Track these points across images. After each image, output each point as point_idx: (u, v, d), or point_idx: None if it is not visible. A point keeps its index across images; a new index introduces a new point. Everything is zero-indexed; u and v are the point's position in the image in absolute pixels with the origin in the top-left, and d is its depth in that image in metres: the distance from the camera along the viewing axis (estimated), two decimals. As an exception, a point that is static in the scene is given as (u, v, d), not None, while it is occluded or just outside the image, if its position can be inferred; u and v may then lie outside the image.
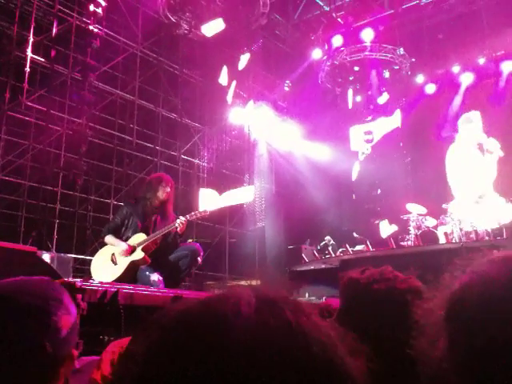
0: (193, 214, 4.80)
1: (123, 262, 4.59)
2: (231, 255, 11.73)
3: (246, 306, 0.57)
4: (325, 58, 13.06)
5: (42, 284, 1.19)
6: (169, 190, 4.95)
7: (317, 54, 12.99)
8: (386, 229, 9.63)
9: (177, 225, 4.61)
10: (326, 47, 12.89)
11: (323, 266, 8.55)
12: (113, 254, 4.65)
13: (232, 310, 0.57)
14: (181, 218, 4.68)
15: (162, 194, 4.89)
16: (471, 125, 9.70)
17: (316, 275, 8.09)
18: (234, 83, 11.92)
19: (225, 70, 11.57)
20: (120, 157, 11.27)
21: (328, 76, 13.28)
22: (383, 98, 12.68)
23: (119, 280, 4.43)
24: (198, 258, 4.87)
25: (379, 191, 12.37)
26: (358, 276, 1.28)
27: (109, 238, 4.75)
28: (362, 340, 1.17)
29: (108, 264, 4.64)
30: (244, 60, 11.94)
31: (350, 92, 12.99)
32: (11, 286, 1.20)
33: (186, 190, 12.31)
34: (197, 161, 12.87)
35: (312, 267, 8.81)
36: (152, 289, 3.81)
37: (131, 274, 4.57)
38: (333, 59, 13.01)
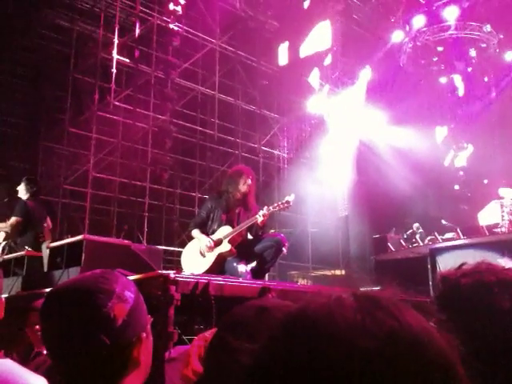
0: (275, 205, 4.80)
1: (211, 255, 4.69)
2: (314, 245, 11.69)
3: (350, 309, 0.56)
4: (406, 39, 12.59)
5: (94, 278, 1.21)
6: (250, 182, 4.96)
7: (397, 36, 12.55)
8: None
9: (258, 217, 4.64)
10: (407, 28, 12.42)
11: (411, 255, 8.29)
12: (200, 248, 4.78)
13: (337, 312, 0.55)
14: (263, 209, 4.70)
15: (243, 187, 4.91)
16: None
17: (403, 265, 7.86)
18: (316, 70, 11.83)
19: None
20: (202, 151, 11.55)
21: (410, 58, 12.79)
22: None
23: (208, 272, 4.53)
24: (283, 249, 4.88)
25: (461, 173, 11.82)
26: (450, 271, 1.23)
27: (195, 233, 4.88)
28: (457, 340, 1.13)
29: (197, 256, 4.76)
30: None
31: (458, 78, 12.24)
32: (69, 283, 1.27)
33: (267, 181, 12.40)
34: (277, 152, 12.90)
35: (399, 257, 8.57)
36: (241, 280, 3.87)
37: (219, 266, 4.66)
38: (415, 41, 12.52)
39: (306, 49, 11.97)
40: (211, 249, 4.70)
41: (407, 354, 0.52)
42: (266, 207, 4.72)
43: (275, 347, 0.56)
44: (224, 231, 4.75)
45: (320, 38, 11.94)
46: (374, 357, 0.51)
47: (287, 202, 4.86)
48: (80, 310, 1.14)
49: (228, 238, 4.71)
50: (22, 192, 6.07)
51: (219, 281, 3.41)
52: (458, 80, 12.26)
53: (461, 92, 12.30)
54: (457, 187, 11.90)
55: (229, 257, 4.70)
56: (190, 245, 4.91)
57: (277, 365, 0.54)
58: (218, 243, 4.72)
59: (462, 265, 1.22)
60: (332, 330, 0.53)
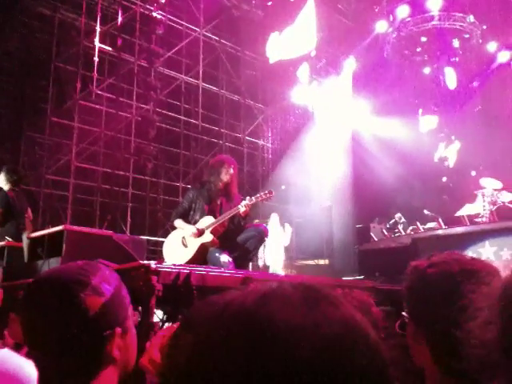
0: (258, 195, 4.81)
1: (193, 245, 4.69)
2: (298, 235, 11.73)
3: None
4: (390, 30, 12.62)
5: (71, 269, 1.22)
6: (232, 171, 4.94)
7: (381, 26, 12.57)
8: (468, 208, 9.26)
9: (240, 207, 4.64)
10: (391, 19, 12.45)
11: (393, 245, 8.37)
12: (183, 238, 4.77)
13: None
14: (245, 200, 4.71)
15: (225, 176, 4.90)
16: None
17: (386, 254, 7.93)
18: (305, 65, 11.84)
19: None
20: (187, 140, 11.50)
21: (394, 49, 12.83)
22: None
23: (190, 262, 4.53)
24: (265, 239, 4.90)
25: (447, 164, 11.91)
26: (420, 262, 1.26)
27: (178, 222, 4.87)
28: (418, 327, 1.16)
29: (179, 247, 4.76)
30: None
31: (450, 70, 12.21)
32: (47, 274, 1.29)
33: (252, 171, 12.40)
34: (261, 142, 12.90)
35: (382, 246, 8.64)
36: (223, 270, 3.88)
37: (201, 256, 4.67)
38: (399, 31, 12.55)
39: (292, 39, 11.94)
40: (195, 236, 4.69)
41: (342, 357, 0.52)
42: (248, 198, 4.73)
43: (211, 344, 0.53)
44: (206, 221, 4.75)
45: (305, 28, 11.90)
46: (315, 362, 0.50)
47: (270, 192, 4.87)
48: (53, 299, 1.14)
49: (210, 229, 4.71)
50: (3, 182, 6.00)
51: (201, 271, 3.42)
52: (449, 72, 12.28)
53: (452, 84, 12.31)
54: (444, 179, 11.99)
55: (211, 247, 4.71)
56: (171, 235, 4.91)
57: (211, 368, 0.51)
58: (200, 233, 4.73)
59: (432, 255, 1.25)
60: (273, 330, 0.51)
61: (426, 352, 1.17)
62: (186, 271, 3.25)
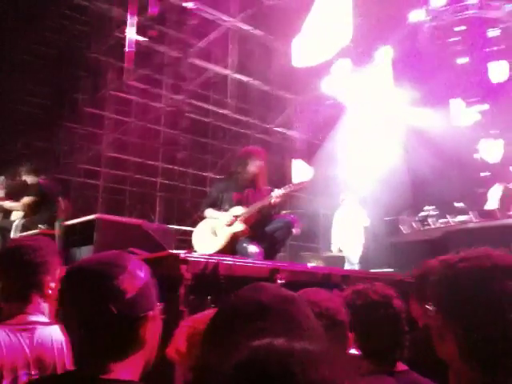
0: (287, 186, 4.81)
1: (224, 234, 4.72)
2: (325, 226, 11.67)
3: None
4: (426, 19, 12.33)
5: (109, 255, 1.29)
6: (260, 163, 4.96)
7: (417, 15, 12.29)
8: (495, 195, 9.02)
9: (271, 197, 4.66)
10: (428, 7, 12.16)
11: (423, 238, 8.24)
12: (213, 227, 4.79)
13: None
14: (276, 191, 4.72)
15: (253, 168, 4.91)
16: None
17: (415, 247, 7.82)
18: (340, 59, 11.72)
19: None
20: (216, 131, 11.54)
21: (430, 38, 12.55)
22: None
23: (220, 251, 4.57)
24: (293, 229, 4.89)
25: (485, 158, 11.61)
26: (449, 256, 1.25)
27: (209, 212, 4.89)
28: (446, 321, 1.15)
29: (209, 236, 4.79)
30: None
31: (493, 62, 11.78)
32: (86, 259, 1.36)
33: (281, 162, 12.37)
34: (291, 132, 12.84)
35: (411, 239, 8.52)
36: (250, 260, 3.89)
37: (231, 246, 4.69)
38: (435, 20, 12.26)
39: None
40: (230, 224, 4.71)
41: None
42: (278, 189, 4.74)
43: None
44: (236, 211, 4.77)
45: (339, 18, 11.75)
46: None
47: (301, 183, 4.86)
48: (93, 280, 1.20)
49: (241, 218, 4.73)
50: (28, 178, 6.16)
51: (229, 261, 3.44)
52: (492, 63, 11.88)
53: (495, 76, 11.89)
54: (482, 174, 11.67)
55: (241, 237, 4.72)
56: (201, 224, 4.94)
57: None
58: (233, 222, 4.75)
59: (461, 250, 1.23)
60: None
61: (452, 346, 1.16)
62: (214, 261, 3.28)
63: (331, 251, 8.82)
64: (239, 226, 4.71)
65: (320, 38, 11.85)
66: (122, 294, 1.19)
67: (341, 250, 8.73)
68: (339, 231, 8.65)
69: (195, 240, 4.92)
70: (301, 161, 10.99)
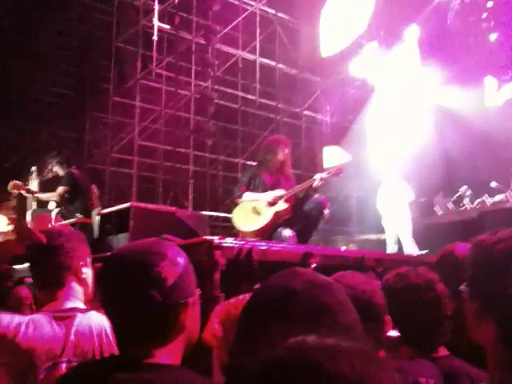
0: (329, 170, 4.87)
1: (267, 213, 4.77)
2: (358, 209, 11.58)
3: None
4: (453, -4, 11.98)
5: (148, 243, 1.30)
6: (287, 151, 5.05)
7: (444, -8, 11.96)
8: None
9: (316, 180, 4.72)
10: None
11: (459, 219, 8.11)
12: (254, 207, 4.84)
13: None
14: (318, 174, 4.79)
15: (281, 156, 4.99)
16: None
17: (451, 229, 7.70)
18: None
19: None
20: (244, 116, 11.54)
21: (458, 16, 12.19)
22: None
23: (263, 229, 4.68)
24: (324, 211, 4.91)
25: None
26: (485, 237, 1.21)
27: (248, 195, 4.94)
28: (484, 304, 1.13)
29: (252, 215, 4.83)
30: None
31: None
32: (125, 247, 1.38)
33: (310, 146, 12.30)
34: (319, 116, 12.73)
35: (446, 220, 8.40)
36: (284, 245, 3.91)
37: (275, 225, 4.75)
38: (462, -3, 11.89)
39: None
40: (273, 204, 4.76)
41: None
42: (320, 173, 4.80)
43: None
44: (277, 192, 4.81)
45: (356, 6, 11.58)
46: None
47: (340, 168, 4.89)
48: (134, 268, 1.22)
49: (284, 199, 4.78)
50: (60, 170, 6.26)
51: (263, 246, 3.46)
52: None
53: None
54: None
55: (285, 216, 4.77)
56: (240, 206, 4.99)
57: None
58: (274, 202, 4.80)
59: (497, 231, 1.20)
60: None
61: (490, 330, 1.13)
62: (247, 246, 3.30)
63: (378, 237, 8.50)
64: (282, 205, 4.77)
65: (340, 22, 11.73)
66: (164, 281, 1.21)
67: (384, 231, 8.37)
68: (385, 209, 8.24)
69: (236, 220, 4.97)
70: (334, 147, 10.87)
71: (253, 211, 4.83)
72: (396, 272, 1.98)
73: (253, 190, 4.96)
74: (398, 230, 7.94)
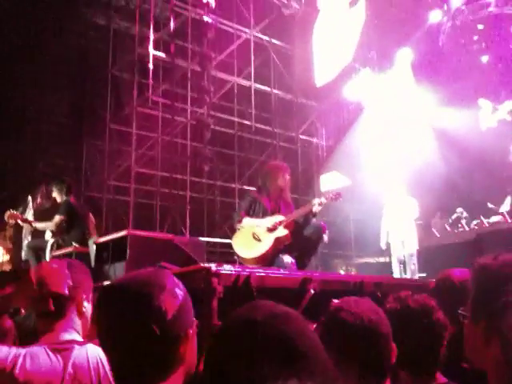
0: (327, 195, 4.89)
1: (268, 239, 4.75)
2: (357, 233, 11.57)
3: None
4: (444, 19, 12.20)
5: (147, 273, 1.28)
6: (287, 177, 5.10)
7: (435, 16, 12.18)
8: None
9: (315, 205, 4.74)
10: (445, 8, 12.04)
11: (457, 241, 8.11)
12: (254, 233, 4.82)
13: None
14: (317, 199, 4.81)
15: (281, 182, 5.02)
16: None
17: (449, 250, 7.69)
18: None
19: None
20: (241, 142, 11.59)
21: (449, 38, 12.40)
22: None
23: (264, 256, 4.68)
24: (324, 236, 4.92)
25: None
26: (488, 260, 1.21)
27: (248, 220, 4.93)
28: (489, 327, 1.11)
29: (251, 241, 4.82)
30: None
31: None
32: (124, 278, 1.36)
33: (306, 169, 12.33)
34: (315, 140, 12.81)
35: (444, 242, 8.39)
36: (282, 271, 3.89)
37: (275, 251, 4.73)
38: (453, 20, 12.12)
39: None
40: (273, 230, 4.74)
41: None
42: (319, 198, 4.85)
43: None
44: (277, 218, 4.81)
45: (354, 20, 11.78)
46: None
47: (338, 194, 4.91)
48: (133, 301, 1.20)
49: (283, 224, 4.77)
50: (58, 196, 6.25)
51: (260, 272, 3.44)
52: None
53: None
54: None
55: (285, 242, 4.77)
56: (239, 232, 4.98)
57: None
58: (275, 228, 4.79)
59: (499, 254, 1.19)
60: None
61: (497, 351, 1.12)
62: (245, 273, 3.28)
63: (382, 249, 8.36)
64: (283, 231, 4.75)
65: (330, 48, 11.95)
66: (164, 314, 1.19)
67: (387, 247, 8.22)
68: (390, 225, 8.12)
69: (237, 246, 4.96)
70: (332, 172, 10.90)
71: (253, 237, 4.82)
72: (394, 295, 1.97)
73: (252, 216, 4.95)
74: (404, 248, 7.87)
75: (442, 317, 1.86)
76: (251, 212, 4.97)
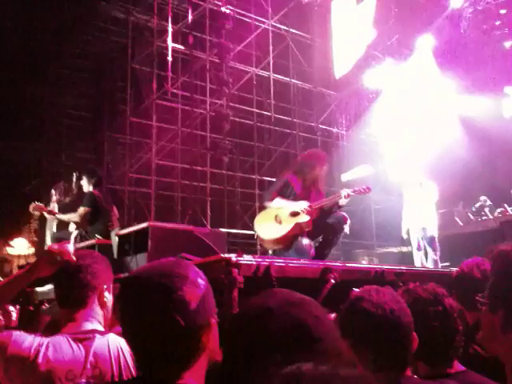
0: (357, 189, 4.87)
1: (288, 223, 4.78)
2: (377, 222, 11.49)
3: None
4: (466, 4, 11.95)
5: (169, 264, 1.29)
6: (325, 168, 5.14)
7: (456, 1, 11.94)
8: None
9: (342, 196, 4.73)
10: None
11: (480, 229, 7.99)
12: (276, 216, 4.85)
13: None
14: (345, 190, 4.80)
15: (318, 171, 5.07)
16: None
17: (472, 239, 7.58)
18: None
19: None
20: (260, 133, 11.58)
21: (471, 24, 12.14)
22: None
23: (283, 238, 4.73)
24: (344, 227, 4.90)
25: None
26: (510, 248, 1.18)
27: (277, 201, 4.96)
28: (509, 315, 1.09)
29: (272, 223, 4.87)
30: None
31: None
32: (146, 269, 1.35)
33: (326, 158, 12.24)
34: (335, 129, 12.72)
35: (468, 231, 8.28)
36: (303, 261, 3.89)
37: (294, 236, 4.75)
38: (475, 5, 11.86)
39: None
40: (296, 215, 4.76)
41: None
42: (347, 189, 4.87)
43: None
44: (302, 204, 4.81)
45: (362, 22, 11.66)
46: None
47: (368, 188, 4.91)
48: (157, 293, 1.21)
49: (307, 211, 4.81)
50: (86, 185, 6.32)
51: (280, 262, 3.44)
52: None
53: None
54: None
55: (305, 228, 4.79)
56: (263, 213, 5.09)
57: None
58: (297, 213, 4.81)
59: None
60: None
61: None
62: (265, 263, 3.29)
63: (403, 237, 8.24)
64: (305, 217, 4.76)
65: (348, 36, 11.81)
66: (187, 305, 1.20)
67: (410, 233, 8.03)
68: (410, 211, 7.98)
69: (258, 225, 5.03)
70: (364, 165, 10.80)
71: (275, 219, 4.86)
72: (403, 288, 1.96)
73: (284, 197, 4.99)
74: (425, 234, 7.74)
75: (454, 303, 1.85)
76: (283, 193, 5.00)
